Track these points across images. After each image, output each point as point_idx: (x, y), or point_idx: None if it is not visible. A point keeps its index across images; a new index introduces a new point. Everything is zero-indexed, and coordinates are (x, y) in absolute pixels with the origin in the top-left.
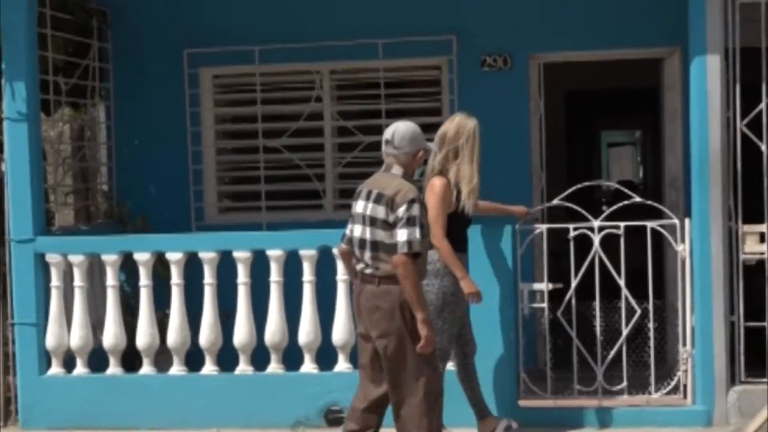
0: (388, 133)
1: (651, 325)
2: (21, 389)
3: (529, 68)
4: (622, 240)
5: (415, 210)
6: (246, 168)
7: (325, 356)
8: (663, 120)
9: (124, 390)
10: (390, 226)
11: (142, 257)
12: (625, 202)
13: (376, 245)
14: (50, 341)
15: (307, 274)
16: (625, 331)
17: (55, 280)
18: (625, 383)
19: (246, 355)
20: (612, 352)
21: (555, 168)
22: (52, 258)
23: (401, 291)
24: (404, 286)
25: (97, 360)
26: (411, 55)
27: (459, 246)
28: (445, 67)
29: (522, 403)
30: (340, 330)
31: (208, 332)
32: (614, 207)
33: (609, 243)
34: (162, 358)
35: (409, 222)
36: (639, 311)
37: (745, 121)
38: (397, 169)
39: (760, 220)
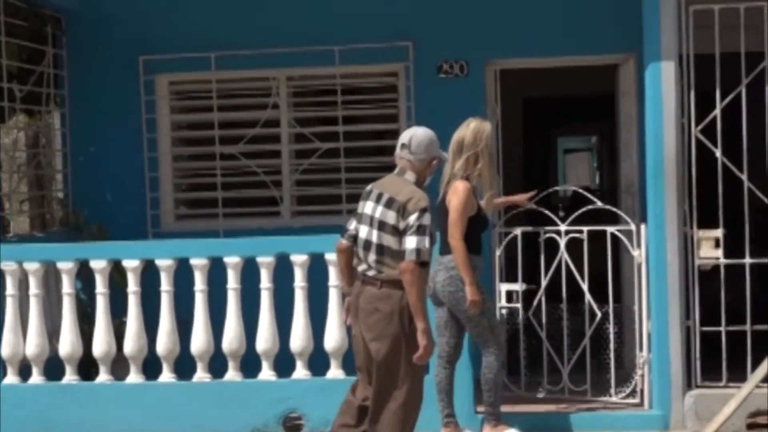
0: (405, 137)
1: (611, 328)
2: None
3: (486, 75)
4: (585, 244)
5: (426, 219)
6: (203, 175)
7: (284, 363)
8: (619, 126)
9: (80, 398)
10: (399, 232)
11: (98, 265)
12: (589, 207)
13: (381, 249)
14: (5, 350)
15: (265, 282)
16: (588, 333)
17: (11, 289)
18: (587, 385)
19: (203, 363)
20: (575, 357)
21: (512, 174)
22: (7, 266)
23: (402, 296)
24: (409, 293)
25: (53, 368)
26: (367, 61)
27: (474, 248)
28: (402, 73)
29: (479, 408)
30: (299, 337)
31: (165, 340)
32: (579, 211)
33: (571, 247)
34: (119, 366)
35: (419, 230)
36: (599, 314)
37: (700, 127)
38: (410, 175)
39: (715, 225)
